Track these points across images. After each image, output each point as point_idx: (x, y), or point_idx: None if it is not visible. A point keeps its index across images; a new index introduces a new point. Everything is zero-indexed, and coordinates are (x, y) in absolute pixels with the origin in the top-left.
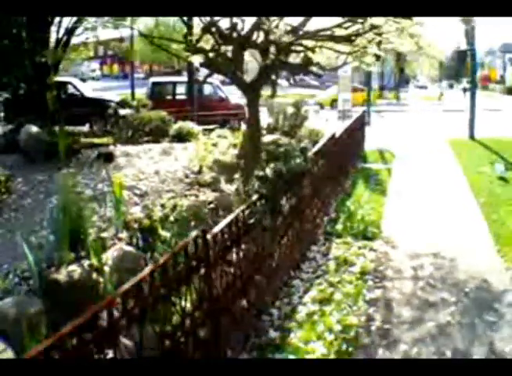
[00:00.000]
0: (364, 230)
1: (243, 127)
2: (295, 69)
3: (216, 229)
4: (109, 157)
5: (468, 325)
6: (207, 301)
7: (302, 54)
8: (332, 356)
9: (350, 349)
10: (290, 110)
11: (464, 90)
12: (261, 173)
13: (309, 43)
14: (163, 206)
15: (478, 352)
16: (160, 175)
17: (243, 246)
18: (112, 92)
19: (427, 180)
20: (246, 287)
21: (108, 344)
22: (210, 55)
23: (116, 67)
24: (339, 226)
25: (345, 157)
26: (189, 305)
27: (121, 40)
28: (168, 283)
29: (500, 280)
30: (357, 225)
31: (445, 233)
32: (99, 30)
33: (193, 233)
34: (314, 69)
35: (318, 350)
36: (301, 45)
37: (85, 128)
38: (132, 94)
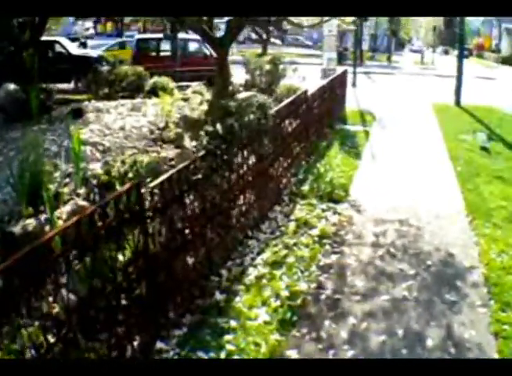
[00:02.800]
0: (331, 192)
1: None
2: (264, 24)
3: (153, 183)
4: (79, 113)
5: (425, 303)
6: (142, 257)
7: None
8: (274, 324)
9: (294, 318)
10: (267, 66)
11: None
12: (210, 128)
13: None
14: (123, 162)
15: (433, 336)
16: (126, 130)
17: (187, 201)
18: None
19: (405, 145)
20: (192, 245)
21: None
22: None
23: (110, 26)
24: (305, 187)
25: (321, 116)
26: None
27: None
28: (96, 234)
29: (467, 256)
30: (324, 187)
31: (416, 200)
32: None
33: (127, 186)
34: (285, 25)
35: (260, 316)
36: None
37: (71, 85)
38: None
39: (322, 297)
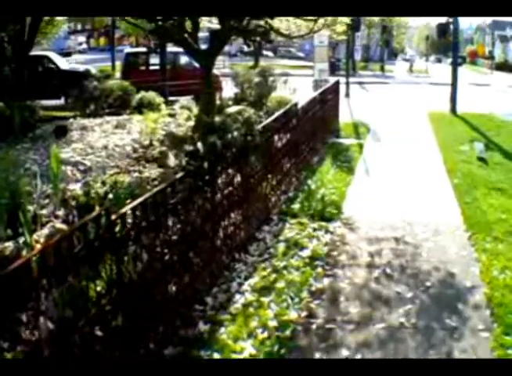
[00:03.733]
0: (322, 210)
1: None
2: (249, 35)
3: (125, 209)
4: (62, 131)
5: (424, 330)
6: (116, 287)
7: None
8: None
9: (282, 351)
10: (257, 79)
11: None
12: (190, 148)
13: None
14: (103, 183)
15: None
16: (108, 149)
17: (165, 226)
18: (96, 64)
19: (400, 158)
20: (173, 272)
21: None
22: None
23: (103, 40)
24: (296, 206)
25: (312, 130)
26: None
27: None
28: (62, 265)
29: (468, 274)
30: (315, 204)
31: (412, 216)
32: None
33: (95, 212)
34: (273, 36)
35: (246, 349)
36: None
37: (61, 101)
38: (113, 66)
39: (313, 326)
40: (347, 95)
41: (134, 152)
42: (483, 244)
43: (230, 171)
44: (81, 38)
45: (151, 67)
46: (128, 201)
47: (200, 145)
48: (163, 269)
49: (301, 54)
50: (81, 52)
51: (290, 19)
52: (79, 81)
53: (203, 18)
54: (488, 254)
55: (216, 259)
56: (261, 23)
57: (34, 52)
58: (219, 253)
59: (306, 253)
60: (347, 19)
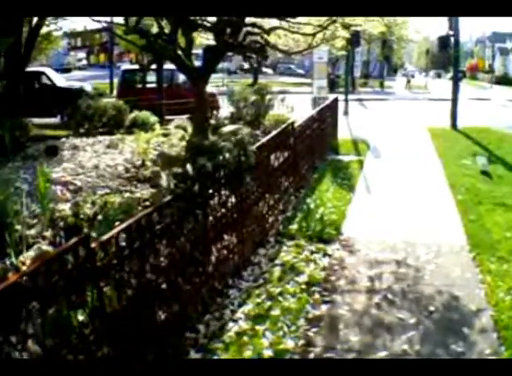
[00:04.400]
0: (321, 231)
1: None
2: (245, 51)
3: (107, 236)
4: (53, 151)
5: (429, 357)
6: (98, 317)
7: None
8: None
9: None
10: (253, 97)
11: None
12: (179, 170)
13: (267, 24)
14: (93, 203)
15: None
16: (99, 169)
17: (153, 252)
18: (94, 81)
19: (401, 174)
20: (162, 299)
21: None
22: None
23: (103, 56)
24: (294, 226)
25: (311, 147)
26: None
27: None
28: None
29: (473, 297)
30: (314, 225)
31: (414, 236)
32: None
33: (73, 240)
34: (270, 52)
35: None
36: (256, 26)
37: (57, 119)
38: (111, 83)
39: (311, 356)
40: (345, 113)
41: (126, 172)
42: (488, 264)
43: (223, 193)
44: (81, 54)
45: (148, 85)
46: (117, 223)
47: (189, 167)
48: (150, 296)
49: (300, 71)
50: (80, 68)
51: (288, 34)
52: (74, 99)
53: (199, 34)
54: (493, 275)
55: (208, 285)
56: (257, 38)
57: (30, 68)
58: (211, 279)
59: (303, 278)
60: (346, 34)
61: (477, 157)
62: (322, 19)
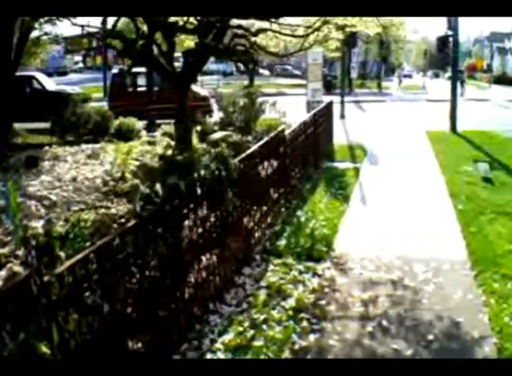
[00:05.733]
0: (311, 248)
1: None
2: (228, 55)
3: (62, 268)
4: (33, 162)
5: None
6: (61, 353)
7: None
8: None
9: None
10: (243, 102)
11: (461, 82)
12: (147, 191)
13: (253, 25)
14: (66, 221)
15: None
16: (77, 182)
17: (117, 282)
18: (89, 84)
19: (399, 182)
20: (133, 330)
21: None
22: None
23: (99, 59)
24: (282, 242)
25: (304, 155)
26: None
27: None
28: None
29: (476, 322)
30: (304, 241)
31: (412, 252)
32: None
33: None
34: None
35: None
36: (242, 27)
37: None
38: (105, 86)
39: None
40: (342, 116)
41: (104, 185)
42: (491, 283)
43: (200, 212)
44: (78, 57)
45: (140, 88)
46: (88, 244)
47: (158, 187)
48: (118, 327)
49: (297, 72)
50: (77, 71)
51: (279, 36)
52: (63, 104)
53: (187, 37)
54: (497, 296)
55: (186, 311)
56: (244, 41)
57: (21, 73)
58: (189, 304)
59: (290, 303)
60: (340, 35)
61: (479, 163)
62: (313, 20)
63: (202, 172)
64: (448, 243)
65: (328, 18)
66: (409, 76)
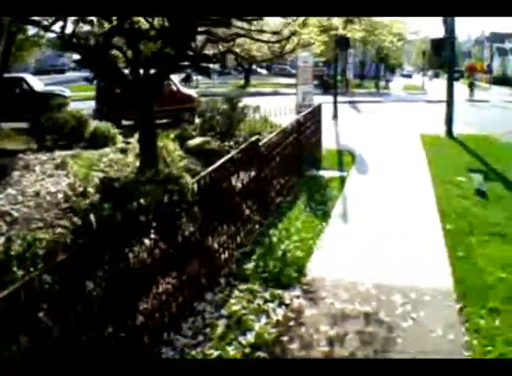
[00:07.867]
0: (279, 273)
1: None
2: (199, 61)
3: None
4: (2, 172)
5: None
6: None
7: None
8: None
9: None
10: (223, 107)
11: (470, 85)
12: (79, 222)
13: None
14: (24, 239)
15: None
16: (40, 197)
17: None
18: (81, 83)
19: (385, 196)
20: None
21: None
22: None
23: None
24: (249, 265)
25: (286, 164)
26: None
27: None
28: None
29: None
30: (273, 264)
31: (390, 279)
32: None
33: None
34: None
35: None
36: (210, 33)
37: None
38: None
39: None
40: (334, 116)
41: (65, 201)
42: (476, 320)
43: (147, 242)
44: (76, 56)
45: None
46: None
47: (92, 218)
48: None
49: (295, 71)
50: (74, 69)
51: (263, 38)
52: (46, 106)
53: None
54: (482, 336)
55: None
56: (218, 46)
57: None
58: (140, 334)
59: (249, 338)
60: (325, 39)
61: (473, 174)
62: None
63: (142, 201)
64: (433, 269)
65: (307, 21)
66: (409, 76)
